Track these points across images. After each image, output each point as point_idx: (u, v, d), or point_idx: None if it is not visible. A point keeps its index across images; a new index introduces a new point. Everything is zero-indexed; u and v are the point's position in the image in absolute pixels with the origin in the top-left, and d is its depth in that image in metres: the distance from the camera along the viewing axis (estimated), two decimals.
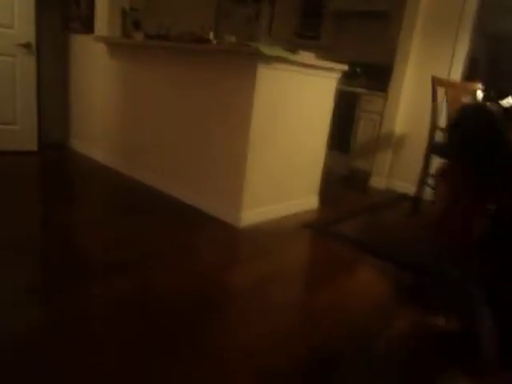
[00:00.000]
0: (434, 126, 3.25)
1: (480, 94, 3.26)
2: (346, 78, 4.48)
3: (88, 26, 3.77)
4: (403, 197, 3.97)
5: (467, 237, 1.42)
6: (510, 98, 2.34)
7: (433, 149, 3.24)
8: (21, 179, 3.27)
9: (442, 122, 3.42)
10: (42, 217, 2.63)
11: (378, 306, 1.98)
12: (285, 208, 3.01)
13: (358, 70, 4.86)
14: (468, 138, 1.22)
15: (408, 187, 4.02)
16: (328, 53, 4.81)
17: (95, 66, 3.84)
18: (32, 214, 2.64)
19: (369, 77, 4.72)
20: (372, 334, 1.73)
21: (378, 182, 4.25)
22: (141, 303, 1.74)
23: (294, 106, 2.81)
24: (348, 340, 1.67)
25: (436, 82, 3.23)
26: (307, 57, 2.74)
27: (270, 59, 2.46)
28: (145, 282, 1.91)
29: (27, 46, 3.76)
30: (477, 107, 1.43)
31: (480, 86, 3.34)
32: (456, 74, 3.72)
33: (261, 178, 2.74)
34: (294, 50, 2.77)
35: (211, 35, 3.02)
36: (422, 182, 3.39)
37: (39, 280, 1.89)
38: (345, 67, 3.02)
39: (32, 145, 4.02)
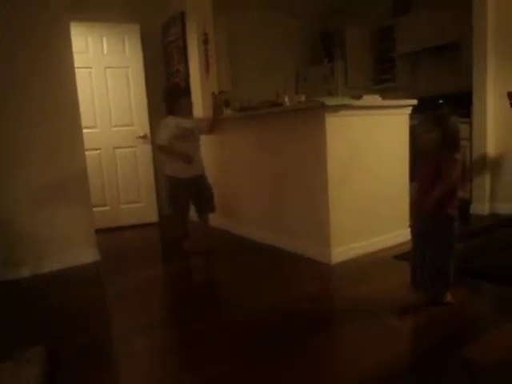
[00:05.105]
0: None
1: None
2: (430, 111, 4.53)
3: None
4: (510, 219, 3.75)
5: None
6: None
7: None
8: (151, 242, 4.15)
9: None
10: (166, 267, 3.18)
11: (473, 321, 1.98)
12: (376, 243, 3.11)
13: (440, 101, 4.88)
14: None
15: None
16: (406, 92, 4.96)
17: None
18: (156, 267, 3.21)
19: (452, 106, 4.68)
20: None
21: (479, 208, 4.07)
22: (249, 321, 2.10)
23: (368, 144, 3.02)
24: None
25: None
26: (372, 99, 2.98)
27: (335, 108, 2.76)
28: (249, 309, 2.23)
29: (144, 137, 4.63)
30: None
31: None
32: None
33: (346, 217, 2.93)
34: (359, 96, 3.04)
35: (286, 98, 3.46)
36: None
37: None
38: (413, 102, 3.17)
39: (153, 217, 4.77)
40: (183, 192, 3.14)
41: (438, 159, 2.03)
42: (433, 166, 2.06)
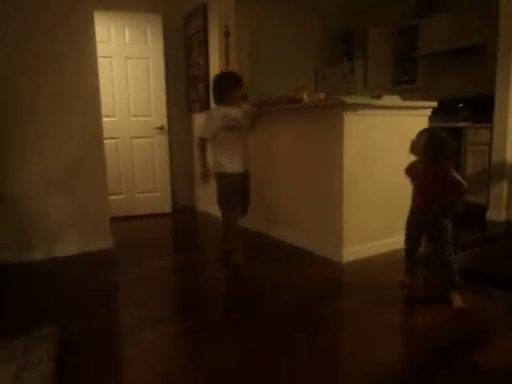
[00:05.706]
0: None
1: None
2: (449, 114, 4.48)
3: (205, 106, 4.53)
4: None
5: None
6: None
7: None
8: (165, 232, 4.23)
9: None
10: (178, 258, 3.23)
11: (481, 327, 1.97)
12: (390, 244, 3.08)
13: (460, 105, 4.80)
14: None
15: None
16: (426, 93, 4.89)
17: None
18: (168, 258, 3.25)
19: (473, 110, 4.61)
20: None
21: (496, 214, 4.01)
22: (255, 317, 2.08)
23: (386, 144, 2.99)
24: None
25: None
26: (391, 100, 2.95)
27: (354, 107, 2.75)
28: (256, 305, 2.23)
29: (161, 128, 4.67)
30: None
31: None
32: None
33: (360, 216, 2.92)
34: (379, 96, 3.02)
35: (304, 95, 3.45)
36: None
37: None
38: (433, 104, 3.13)
39: (167, 208, 4.82)
40: (233, 188, 2.81)
41: (434, 168, 2.20)
42: (430, 173, 2.21)
